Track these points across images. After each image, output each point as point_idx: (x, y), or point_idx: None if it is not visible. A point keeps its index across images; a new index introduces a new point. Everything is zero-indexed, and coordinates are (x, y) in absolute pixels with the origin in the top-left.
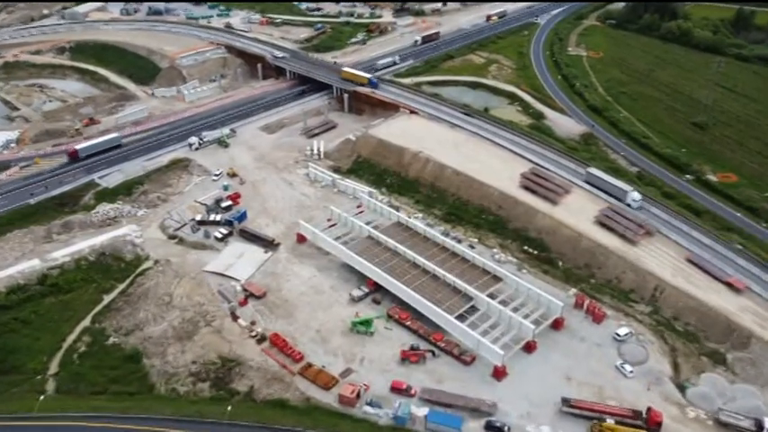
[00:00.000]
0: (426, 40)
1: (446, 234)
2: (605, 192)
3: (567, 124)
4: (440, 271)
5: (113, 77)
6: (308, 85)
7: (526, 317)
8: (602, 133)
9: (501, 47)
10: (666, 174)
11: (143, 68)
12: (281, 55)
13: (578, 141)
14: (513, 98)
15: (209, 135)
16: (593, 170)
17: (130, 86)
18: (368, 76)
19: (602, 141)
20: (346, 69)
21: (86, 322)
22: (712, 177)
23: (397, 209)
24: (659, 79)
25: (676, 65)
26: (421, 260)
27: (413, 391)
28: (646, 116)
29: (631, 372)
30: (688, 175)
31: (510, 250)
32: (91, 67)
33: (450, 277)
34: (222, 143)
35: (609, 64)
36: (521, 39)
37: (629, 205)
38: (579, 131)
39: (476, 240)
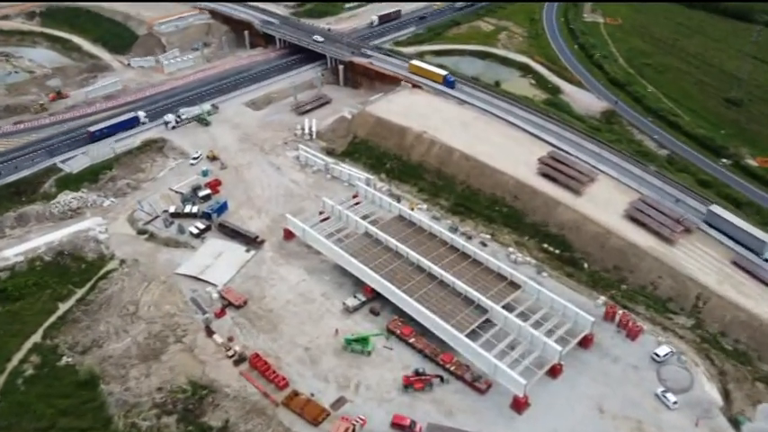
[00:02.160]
0: (384, 19)
1: (454, 229)
2: (733, 239)
3: (586, 100)
4: (448, 277)
5: (86, 46)
6: (300, 55)
7: (550, 333)
8: (625, 110)
9: (511, 12)
10: (700, 157)
11: (119, 36)
12: (321, 39)
13: (599, 119)
14: (525, 70)
15: (187, 112)
16: (718, 210)
17: (105, 56)
18: (443, 73)
19: (626, 120)
20: (415, 63)
21: (37, 337)
22: (751, 162)
23: (398, 198)
24: (685, 49)
25: (703, 33)
26: (426, 263)
27: (418, 428)
28: (673, 91)
29: (675, 403)
30: (724, 159)
31: (527, 249)
32: (62, 34)
33: (461, 285)
34: (202, 121)
35: (629, 32)
36: (532, 4)
37: (767, 260)
38: (600, 108)
39: (488, 237)
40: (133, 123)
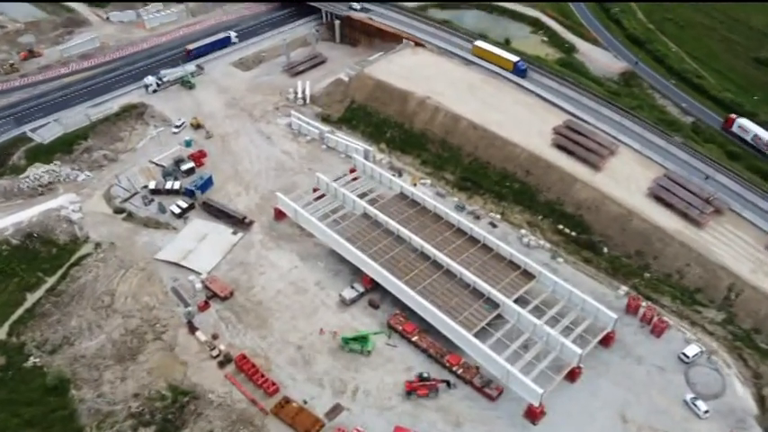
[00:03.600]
0: None
1: (461, 208)
2: None
3: (603, 59)
4: (455, 266)
5: None
6: (293, 8)
7: (567, 331)
8: (645, 71)
9: None
10: None
11: None
12: (358, 7)
13: (618, 82)
14: (536, 25)
15: (170, 74)
16: None
17: (82, 9)
18: (514, 59)
19: (647, 82)
20: (481, 45)
21: (2, 334)
22: None
23: (400, 172)
24: (708, 2)
25: None
26: (431, 250)
27: None
28: (696, 49)
29: (706, 412)
30: None
31: (541, 230)
32: None
33: (469, 275)
34: (186, 84)
35: None
36: None
37: None
38: (618, 69)
39: (498, 216)
40: (226, 43)
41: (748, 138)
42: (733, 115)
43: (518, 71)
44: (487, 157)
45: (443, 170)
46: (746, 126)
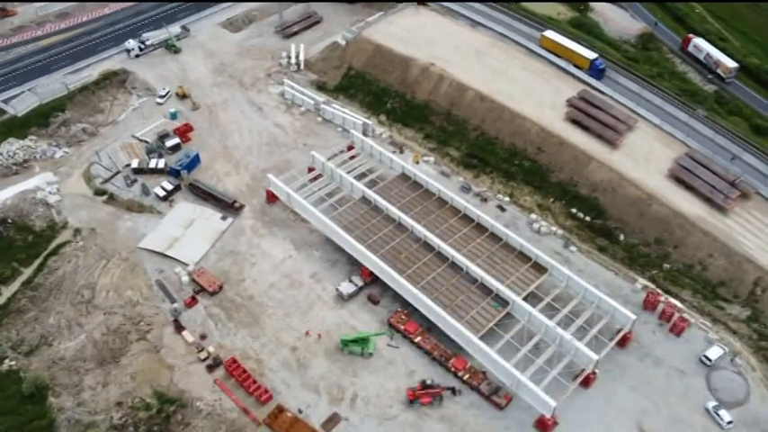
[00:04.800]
0: None
1: (467, 189)
2: None
3: (619, 19)
4: (461, 259)
5: None
6: None
7: (581, 331)
8: (665, 33)
9: None
10: (754, 95)
11: None
12: None
13: (635, 44)
14: None
15: (153, 36)
16: None
17: None
18: (591, 56)
19: (666, 45)
20: (551, 36)
21: None
22: None
23: (401, 148)
24: None
25: None
26: (435, 240)
27: None
28: (720, 7)
29: (730, 422)
30: None
31: (553, 214)
32: None
33: (476, 269)
34: (171, 48)
35: None
36: None
37: None
38: (636, 30)
39: (507, 199)
40: None
41: (701, 57)
42: (690, 35)
43: (594, 71)
44: (495, 132)
45: (448, 145)
46: (700, 45)
